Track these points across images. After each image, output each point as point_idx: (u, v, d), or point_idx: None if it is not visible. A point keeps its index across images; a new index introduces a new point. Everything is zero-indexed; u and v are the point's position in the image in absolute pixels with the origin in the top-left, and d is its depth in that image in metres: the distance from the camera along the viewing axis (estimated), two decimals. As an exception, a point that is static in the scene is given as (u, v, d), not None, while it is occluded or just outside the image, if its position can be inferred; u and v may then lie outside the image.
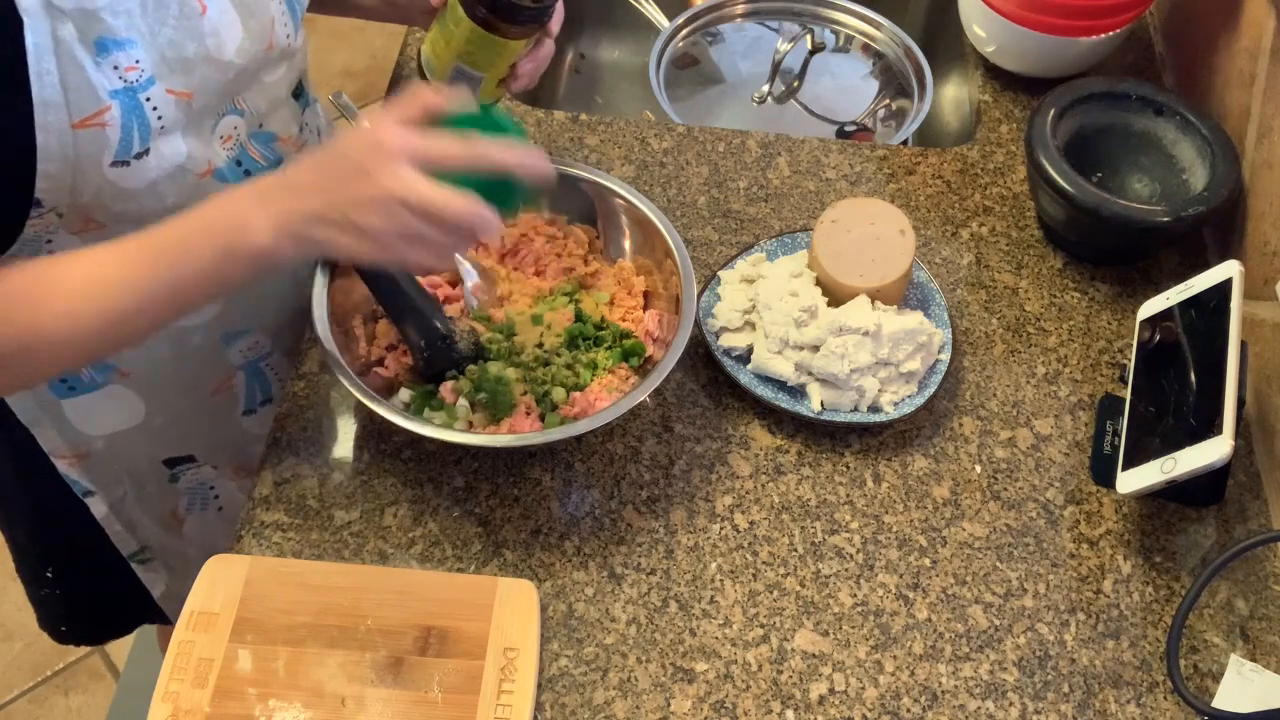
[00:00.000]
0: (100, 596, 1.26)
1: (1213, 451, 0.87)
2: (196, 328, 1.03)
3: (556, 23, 0.94)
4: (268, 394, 1.15)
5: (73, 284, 0.81)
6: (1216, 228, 1.17)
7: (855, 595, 0.94)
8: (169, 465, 1.13)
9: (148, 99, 0.83)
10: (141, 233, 0.80)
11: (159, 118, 0.85)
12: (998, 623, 0.93)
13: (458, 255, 1.04)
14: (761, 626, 0.92)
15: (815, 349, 1.01)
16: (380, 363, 1.01)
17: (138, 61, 0.82)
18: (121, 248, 0.80)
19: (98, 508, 1.13)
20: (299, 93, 1.02)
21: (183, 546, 1.22)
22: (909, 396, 1.02)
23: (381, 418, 0.92)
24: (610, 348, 1.02)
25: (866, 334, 1.00)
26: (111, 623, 1.34)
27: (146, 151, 0.85)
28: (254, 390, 1.13)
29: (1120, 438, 0.98)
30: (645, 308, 1.05)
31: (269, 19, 0.91)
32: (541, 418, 0.97)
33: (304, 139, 1.03)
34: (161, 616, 1.30)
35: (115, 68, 0.81)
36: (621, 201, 1.05)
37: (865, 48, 1.47)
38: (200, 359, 1.06)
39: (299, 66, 1.01)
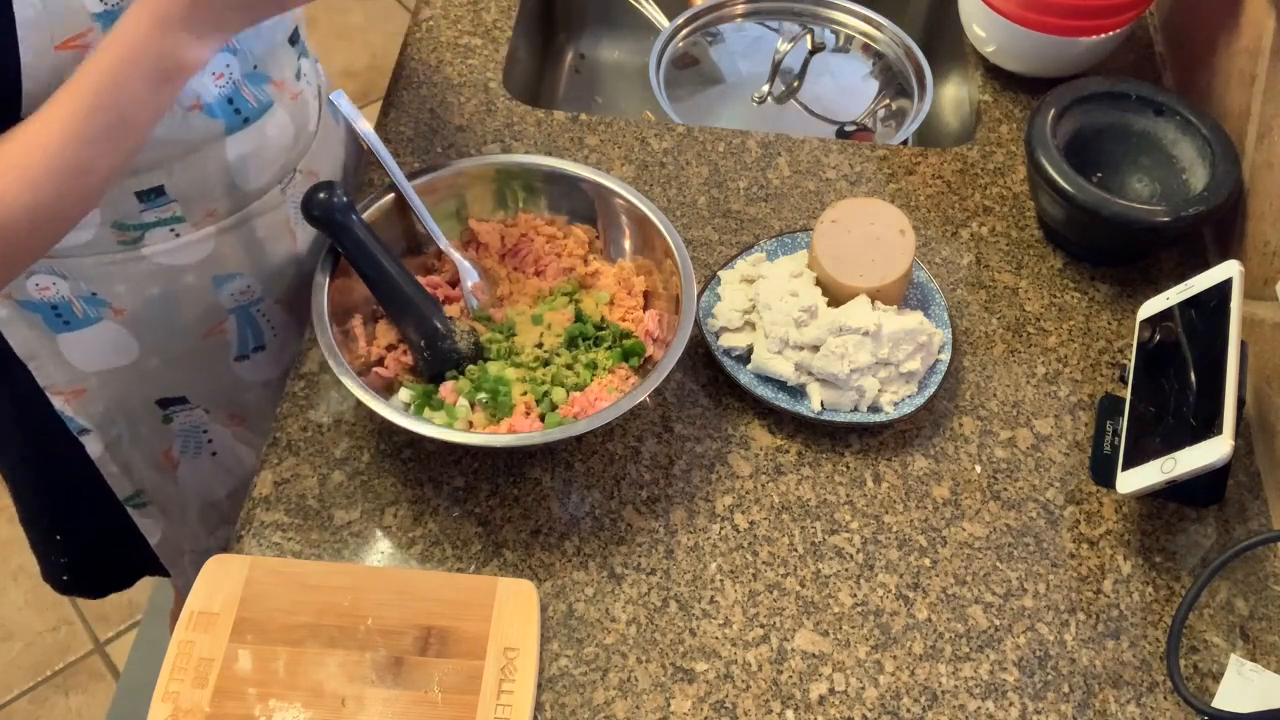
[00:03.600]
0: (99, 544, 1.27)
1: (1213, 451, 0.87)
2: (186, 268, 1.04)
3: None
4: (260, 341, 1.15)
5: (18, 152, 0.81)
6: (1216, 228, 1.17)
7: (855, 595, 0.94)
8: (162, 406, 1.14)
9: None
10: (68, 85, 0.81)
11: None
12: (998, 623, 0.93)
13: (457, 255, 1.04)
14: (761, 626, 0.92)
15: (815, 349, 1.01)
16: (380, 363, 1.01)
17: None
18: (55, 105, 0.81)
19: (93, 447, 1.14)
20: (294, 39, 1.03)
21: (177, 492, 1.23)
22: (909, 396, 1.02)
23: (381, 418, 0.92)
24: (610, 348, 1.02)
25: (866, 334, 1.00)
26: (111, 573, 1.35)
27: None
28: (246, 336, 1.13)
29: (1120, 438, 0.98)
30: (645, 308, 1.05)
31: None
32: (541, 418, 0.97)
33: (300, 87, 1.04)
34: (160, 568, 1.31)
35: None
36: (621, 201, 1.05)
37: (865, 48, 1.47)
38: (192, 300, 1.07)
39: (295, 13, 1.02)
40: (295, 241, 1.10)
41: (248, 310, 1.11)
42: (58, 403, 1.09)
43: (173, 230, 1.00)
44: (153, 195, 0.96)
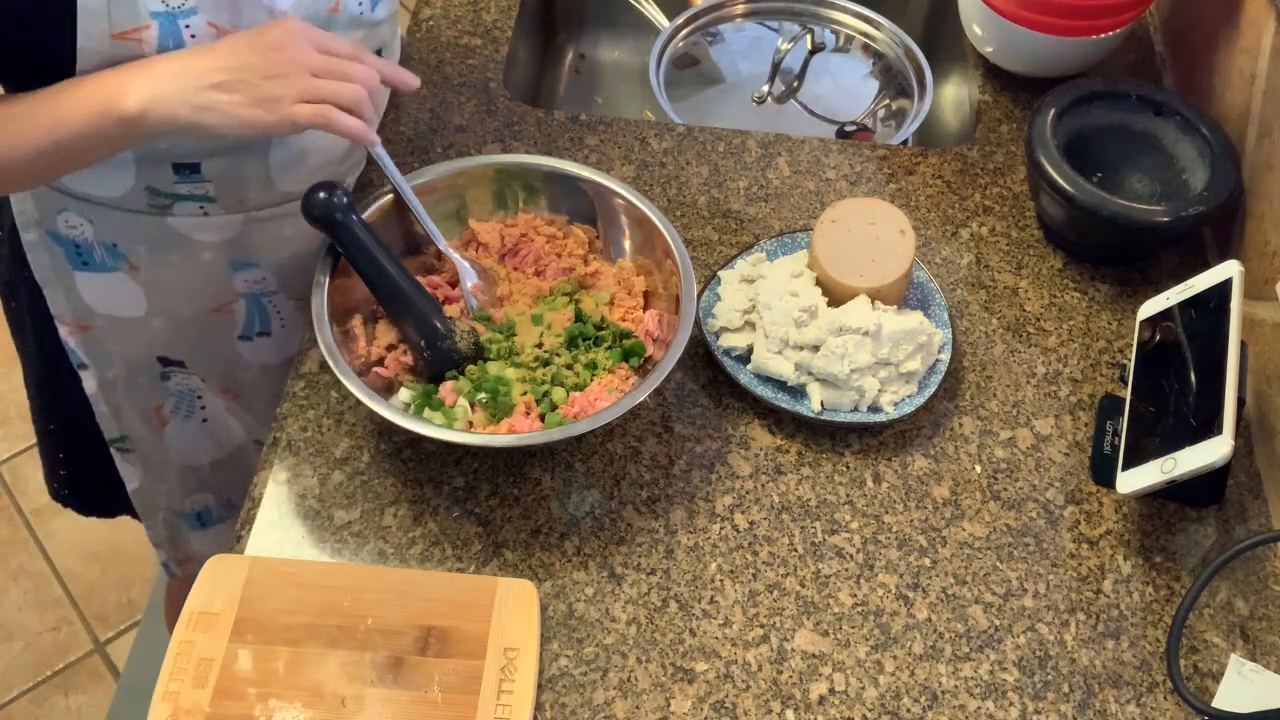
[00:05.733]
0: (91, 466, 1.30)
1: (1213, 451, 0.87)
2: (207, 245, 1.06)
3: None
4: (265, 327, 1.17)
5: None
6: (1216, 228, 1.17)
7: (855, 595, 0.94)
8: (162, 364, 1.17)
9: (187, 26, 0.87)
10: (40, 90, 0.86)
11: None
12: (998, 623, 0.94)
13: (456, 256, 1.04)
14: (761, 626, 0.92)
15: (815, 349, 1.01)
16: (380, 363, 1.01)
17: None
18: (16, 99, 0.86)
19: (89, 384, 1.17)
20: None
21: (161, 449, 1.25)
22: (909, 396, 1.02)
23: (381, 418, 0.92)
24: (610, 348, 1.02)
25: (866, 334, 1.00)
26: (97, 497, 1.37)
27: None
28: (253, 319, 1.15)
29: (1120, 438, 0.98)
30: (645, 308, 1.05)
31: None
32: (541, 418, 0.97)
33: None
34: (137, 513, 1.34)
35: None
36: (621, 201, 1.05)
37: (865, 48, 1.47)
38: (206, 275, 1.09)
39: (380, 37, 1.03)
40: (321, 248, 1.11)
41: (259, 298, 1.13)
42: (63, 333, 1.13)
43: (202, 208, 1.02)
44: (187, 170, 0.98)
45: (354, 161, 1.11)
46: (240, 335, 1.16)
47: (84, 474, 1.32)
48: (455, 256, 1.04)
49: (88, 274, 1.08)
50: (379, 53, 1.04)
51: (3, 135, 0.86)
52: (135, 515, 1.36)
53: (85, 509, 1.40)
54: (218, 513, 1.34)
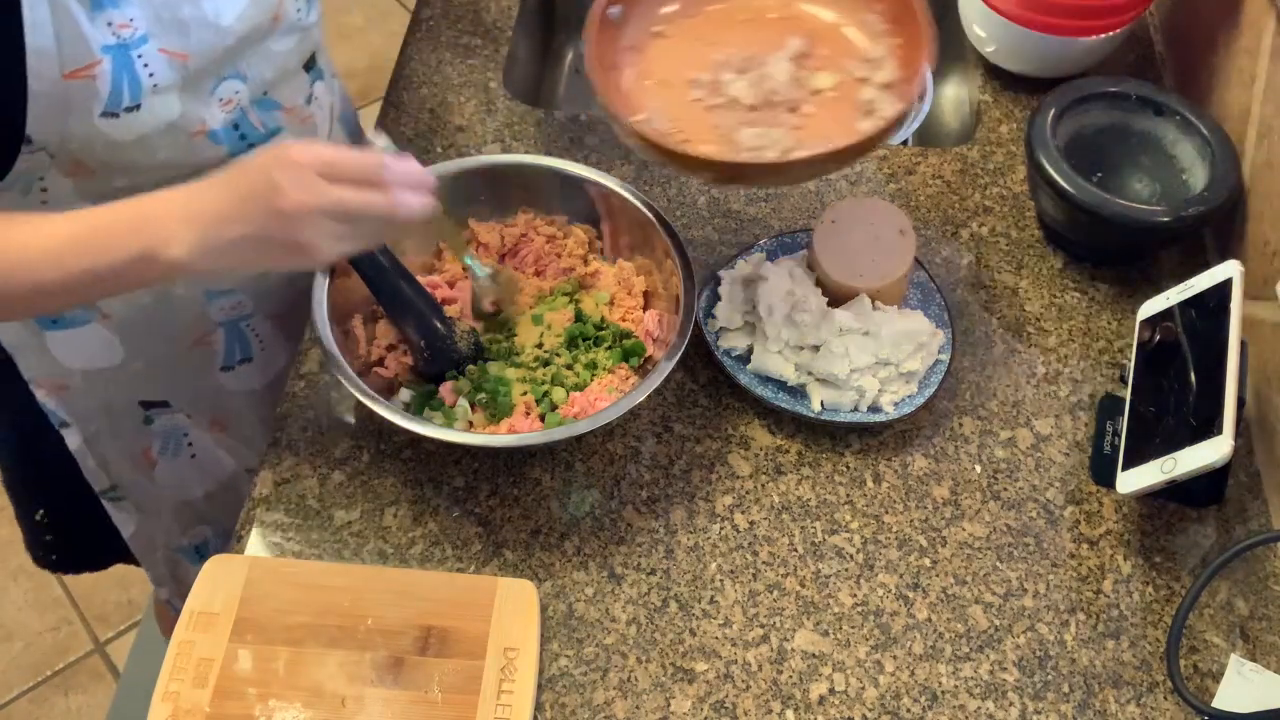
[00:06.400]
0: (78, 526, 1.28)
1: (1213, 451, 0.87)
2: (181, 280, 1.04)
3: None
4: (247, 354, 1.15)
5: (7, 247, 0.83)
6: (1216, 228, 1.17)
7: (855, 595, 0.94)
8: (144, 407, 1.15)
9: (139, 56, 0.85)
10: (79, 213, 0.83)
11: (150, 75, 0.86)
12: (998, 623, 0.93)
13: (469, 260, 1.03)
14: (761, 626, 0.92)
15: (815, 349, 1.01)
16: (380, 363, 1.01)
17: (132, 20, 0.84)
18: (54, 224, 0.83)
19: (72, 440, 1.15)
20: (310, 65, 1.02)
21: (154, 489, 1.23)
22: (909, 396, 1.02)
23: (381, 418, 0.92)
24: (610, 348, 1.02)
25: (866, 334, 1.00)
26: (88, 554, 1.36)
27: (138, 106, 0.86)
28: (233, 347, 1.13)
29: (1120, 438, 0.98)
30: (645, 308, 1.05)
31: None
32: (541, 418, 0.97)
33: (311, 111, 1.04)
34: (134, 558, 1.32)
35: (109, 24, 0.83)
36: (621, 201, 1.05)
37: (865, 48, 1.47)
38: (181, 310, 1.07)
39: (314, 40, 1.02)
40: None
41: (236, 324, 1.11)
42: (40, 395, 1.10)
43: None
44: None
45: None
46: (222, 366, 1.14)
47: (71, 533, 1.30)
48: (468, 260, 1.03)
49: (59, 331, 1.05)
50: (313, 57, 1.02)
51: (41, 262, 0.83)
52: (128, 561, 1.33)
53: (75, 567, 1.37)
54: (215, 543, 1.32)
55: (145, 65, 0.85)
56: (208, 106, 0.92)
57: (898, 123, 0.93)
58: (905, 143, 1.33)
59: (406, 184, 0.82)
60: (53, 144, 0.86)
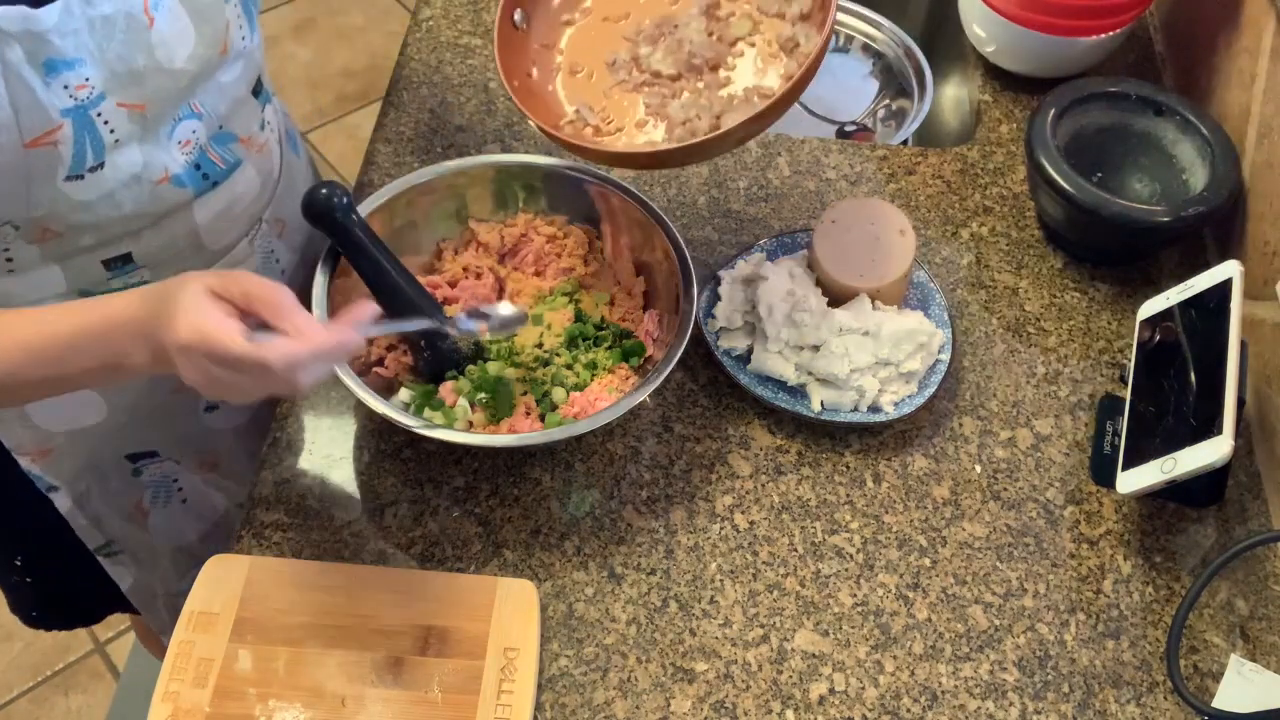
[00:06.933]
0: (69, 586, 1.27)
1: (1213, 451, 0.87)
2: None
3: None
4: None
5: None
6: (1216, 228, 1.17)
7: (855, 595, 0.94)
8: (131, 460, 1.14)
9: (99, 114, 0.84)
10: (50, 313, 0.82)
11: (111, 131, 0.85)
12: (998, 623, 0.93)
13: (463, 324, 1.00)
14: (761, 626, 0.92)
15: (815, 349, 1.01)
16: (380, 363, 1.01)
17: (88, 79, 0.82)
18: (24, 325, 0.81)
19: (62, 502, 1.13)
20: (258, 90, 1.01)
21: (149, 540, 1.22)
22: (909, 396, 1.02)
23: (381, 418, 0.92)
24: (610, 348, 1.02)
25: (866, 334, 1.00)
26: (81, 611, 1.34)
27: (101, 165, 0.86)
28: None
29: (1120, 438, 0.98)
30: (645, 308, 1.05)
31: (223, 23, 0.91)
32: (541, 418, 0.97)
33: (265, 137, 1.03)
34: (132, 606, 1.31)
35: (65, 87, 0.81)
36: (621, 201, 1.05)
37: (865, 48, 1.47)
38: None
39: (256, 63, 1.00)
40: None
41: None
42: (24, 462, 1.08)
43: None
44: (120, 263, 0.95)
45: (267, 198, 1.06)
46: (206, 407, 1.13)
47: (64, 594, 1.29)
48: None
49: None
50: (259, 81, 1.01)
51: (22, 360, 0.82)
52: (125, 610, 1.32)
53: (69, 624, 1.36)
54: None
55: (106, 123, 0.84)
56: (168, 151, 0.91)
57: (822, 56, 0.88)
58: (905, 143, 1.33)
59: (296, 369, 0.77)
60: (18, 216, 0.85)
